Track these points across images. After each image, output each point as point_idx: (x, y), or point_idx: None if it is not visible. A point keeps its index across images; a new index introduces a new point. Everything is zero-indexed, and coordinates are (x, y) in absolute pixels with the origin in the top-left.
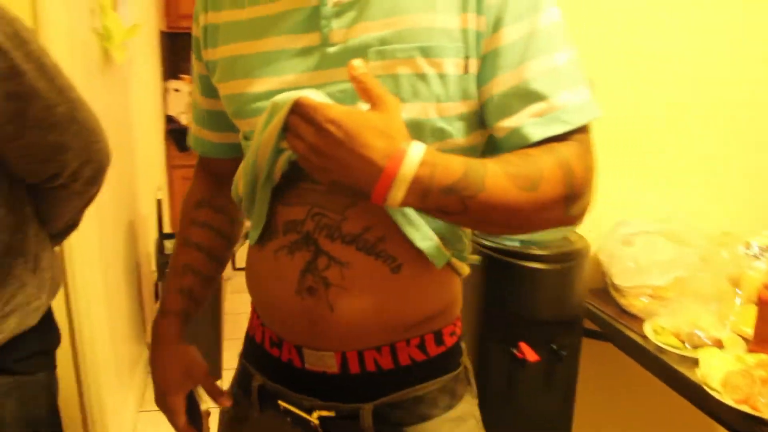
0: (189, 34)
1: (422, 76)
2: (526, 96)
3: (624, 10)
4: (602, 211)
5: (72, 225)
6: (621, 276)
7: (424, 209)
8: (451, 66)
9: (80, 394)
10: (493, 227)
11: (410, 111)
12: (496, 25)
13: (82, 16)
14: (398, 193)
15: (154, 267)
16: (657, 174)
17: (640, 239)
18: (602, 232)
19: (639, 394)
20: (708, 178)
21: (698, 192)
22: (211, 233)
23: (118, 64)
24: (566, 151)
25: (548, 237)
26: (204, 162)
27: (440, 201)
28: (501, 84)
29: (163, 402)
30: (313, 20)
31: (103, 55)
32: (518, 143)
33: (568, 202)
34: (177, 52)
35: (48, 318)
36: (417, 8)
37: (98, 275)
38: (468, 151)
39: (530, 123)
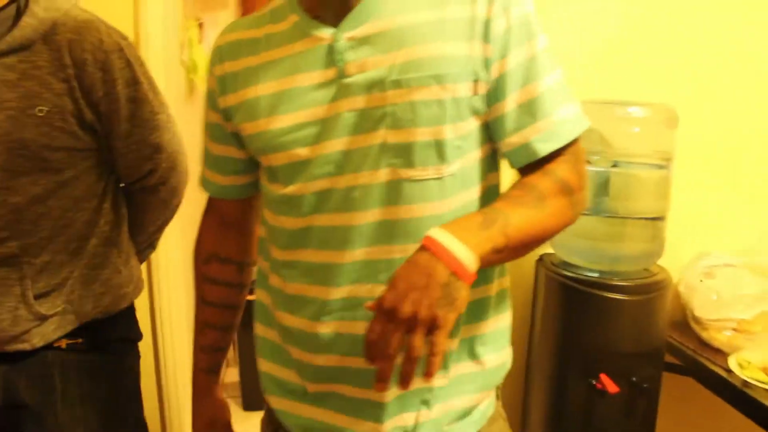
0: None
1: (438, 102)
2: (532, 114)
3: (720, 39)
4: (683, 242)
5: (150, 246)
6: (702, 308)
7: (487, 258)
8: (463, 89)
9: (160, 399)
10: (527, 251)
11: (429, 134)
12: (503, 52)
13: (174, 50)
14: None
15: None
16: (740, 205)
17: (723, 272)
18: (683, 264)
19: (721, 430)
20: None
21: None
22: (222, 288)
23: (201, 94)
24: (559, 169)
25: (629, 268)
26: (212, 203)
27: (487, 251)
28: (509, 104)
29: None
30: (329, 56)
31: (189, 86)
32: (528, 157)
33: (574, 211)
34: None
35: (133, 312)
36: (428, 38)
37: (181, 284)
38: (483, 162)
39: (537, 139)
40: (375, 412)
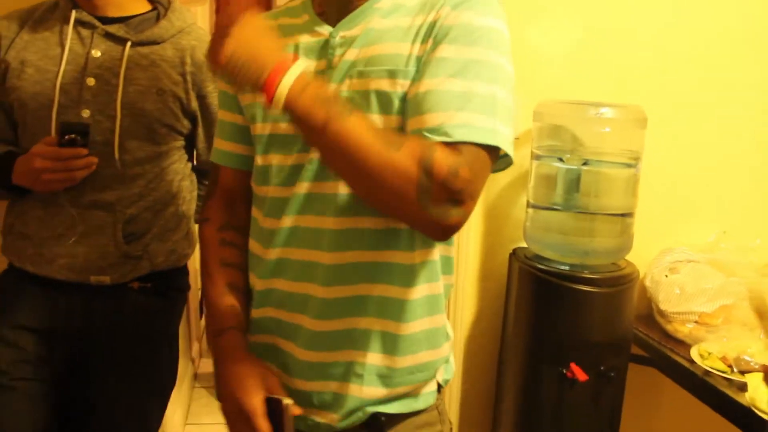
0: None
1: (386, 94)
2: (440, 104)
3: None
4: (650, 238)
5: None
6: (667, 302)
7: (295, 108)
8: (409, 86)
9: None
10: (342, 165)
11: (379, 122)
12: (434, 46)
13: None
14: (290, 78)
15: (199, 284)
16: (703, 203)
17: (686, 267)
18: (649, 259)
19: (682, 418)
20: (754, 209)
21: (744, 222)
22: (241, 252)
23: None
24: (438, 148)
25: (599, 262)
26: (217, 181)
27: (310, 105)
28: (423, 86)
29: (238, 411)
30: (324, 49)
31: None
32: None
33: (421, 189)
34: None
35: (186, 269)
36: (391, 39)
37: None
38: None
39: (431, 129)
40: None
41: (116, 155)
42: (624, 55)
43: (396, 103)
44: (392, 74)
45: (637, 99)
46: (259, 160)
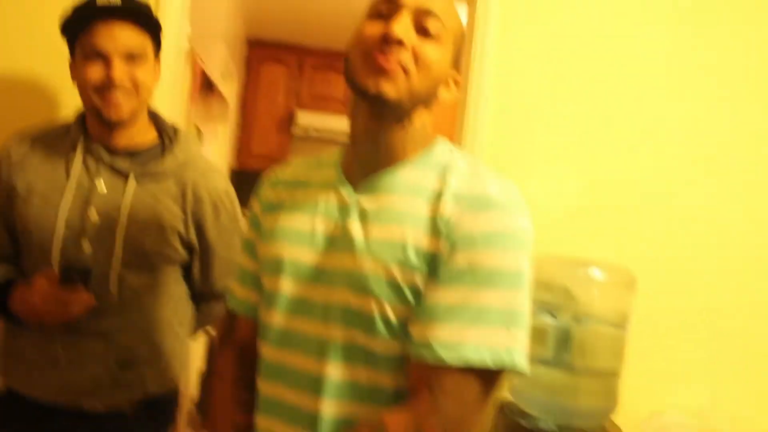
0: (257, 173)
1: (394, 283)
2: (452, 317)
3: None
4: (637, 400)
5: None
6: None
7: None
8: (417, 277)
9: None
10: None
11: (380, 307)
12: (452, 252)
13: None
14: None
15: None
16: (695, 365)
17: None
18: (637, 422)
19: None
20: (748, 375)
21: (736, 389)
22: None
23: None
24: (424, 409)
25: (584, 423)
26: (232, 331)
27: None
28: (439, 297)
29: None
30: (342, 212)
31: None
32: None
33: None
34: (242, 188)
35: (179, 389)
36: (405, 222)
37: None
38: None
39: (440, 345)
40: None
41: (112, 286)
42: (620, 213)
43: (399, 293)
44: (403, 265)
45: (632, 258)
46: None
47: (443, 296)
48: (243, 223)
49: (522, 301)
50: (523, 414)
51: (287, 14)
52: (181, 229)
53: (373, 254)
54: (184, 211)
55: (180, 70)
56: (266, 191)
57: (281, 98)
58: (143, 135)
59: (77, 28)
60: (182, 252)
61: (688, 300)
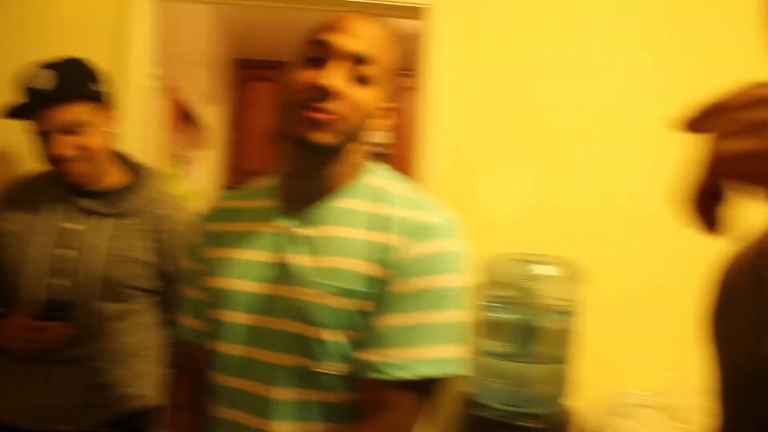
0: None
1: (345, 311)
2: (395, 339)
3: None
4: (599, 383)
5: None
6: None
7: None
8: (367, 306)
9: None
10: None
11: (332, 335)
12: (394, 279)
13: None
14: None
15: None
16: (652, 346)
17: (640, 412)
18: (594, 404)
19: None
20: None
21: (694, 365)
22: None
23: None
24: (382, 424)
25: (539, 408)
26: (187, 360)
27: None
28: (385, 321)
29: None
30: (278, 242)
31: None
32: (370, 374)
33: None
34: None
35: (154, 408)
36: (344, 252)
37: None
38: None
39: (395, 366)
40: None
41: (88, 317)
42: (568, 211)
43: (346, 319)
44: (347, 293)
45: (581, 251)
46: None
47: (393, 320)
48: None
49: (462, 316)
50: (484, 406)
51: (271, 33)
52: (154, 260)
53: (317, 284)
54: (158, 244)
55: (149, 107)
56: (207, 223)
57: (271, 114)
58: (113, 177)
59: (20, 116)
60: (156, 283)
61: (638, 286)
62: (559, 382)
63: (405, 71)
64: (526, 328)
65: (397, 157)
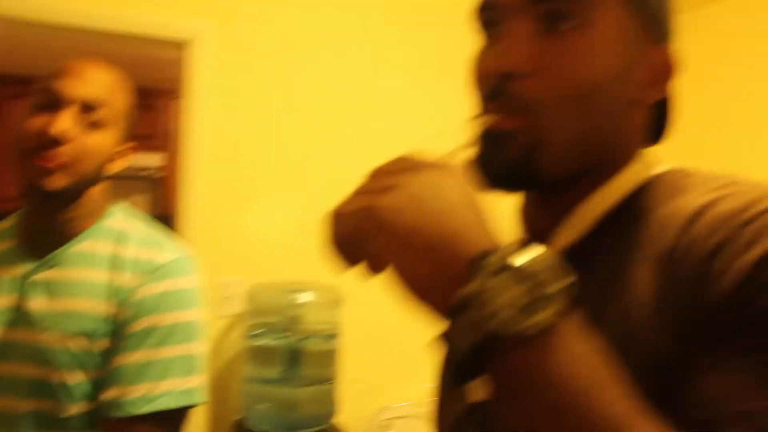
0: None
1: (85, 352)
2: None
3: None
4: (365, 400)
5: None
6: None
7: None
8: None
9: None
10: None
11: (71, 377)
12: (133, 319)
13: None
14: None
15: None
16: (411, 361)
17: (398, 423)
18: (365, 420)
19: None
20: None
21: None
22: None
23: None
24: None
25: (310, 427)
26: None
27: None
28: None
29: None
30: (17, 287)
31: None
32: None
33: None
34: None
35: None
36: (83, 293)
37: None
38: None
39: (133, 403)
40: None
41: None
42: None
43: (88, 360)
44: (86, 334)
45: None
46: None
47: (129, 358)
48: None
49: (196, 347)
50: (255, 428)
51: (24, 48)
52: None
53: (54, 327)
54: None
55: None
56: None
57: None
58: None
59: None
60: None
61: (391, 305)
62: (327, 401)
63: (174, 94)
64: (292, 353)
65: (171, 180)
